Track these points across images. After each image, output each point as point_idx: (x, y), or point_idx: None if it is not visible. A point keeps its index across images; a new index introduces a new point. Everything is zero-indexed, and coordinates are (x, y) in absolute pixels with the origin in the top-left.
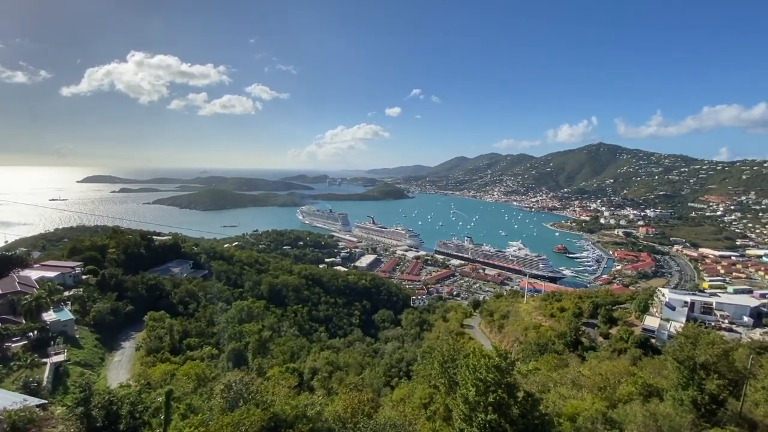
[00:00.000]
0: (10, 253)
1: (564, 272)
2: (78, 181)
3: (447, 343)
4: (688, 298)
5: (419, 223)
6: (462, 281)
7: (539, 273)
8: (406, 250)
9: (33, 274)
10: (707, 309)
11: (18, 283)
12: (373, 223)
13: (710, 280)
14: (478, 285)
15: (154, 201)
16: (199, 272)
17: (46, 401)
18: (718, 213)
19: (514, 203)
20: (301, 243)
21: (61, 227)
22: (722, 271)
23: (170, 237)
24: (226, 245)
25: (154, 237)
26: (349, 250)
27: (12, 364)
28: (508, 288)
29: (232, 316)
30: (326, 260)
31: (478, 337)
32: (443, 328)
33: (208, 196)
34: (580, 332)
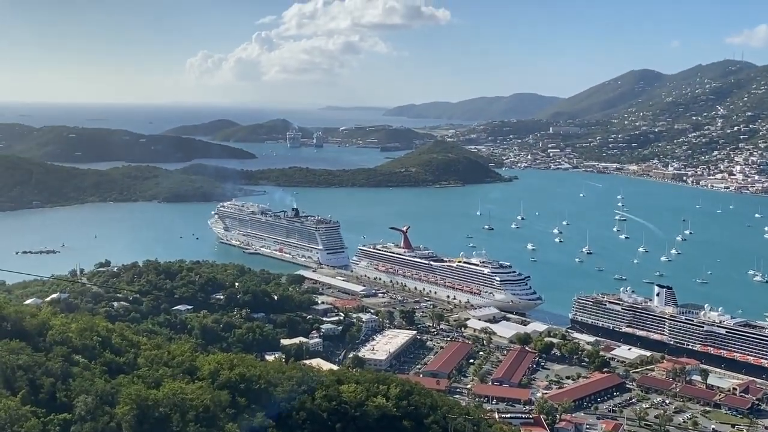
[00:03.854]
0: None
1: None
2: None
3: None
4: None
5: (529, 247)
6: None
7: None
8: (492, 318)
9: None
10: None
11: None
12: (405, 245)
13: None
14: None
15: None
16: None
17: None
18: None
19: None
20: (221, 296)
21: None
22: None
23: None
24: (29, 301)
25: None
26: (340, 314)
27: None
28: None
29: None
30: (285, 342)
31: None
32: None
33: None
34: None
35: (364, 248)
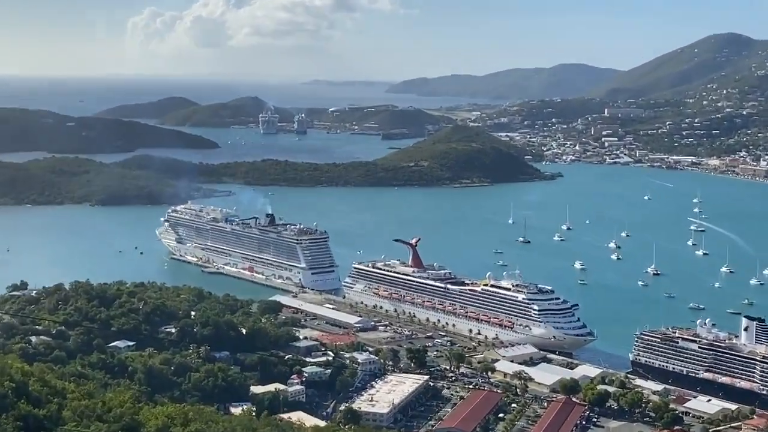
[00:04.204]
0: None
1: None
2: None
3: None
4: None
5: (577, 266)
6: None
7: None
8: (528, 360)
9: None
10: None
11: None
12: (415, 263)
13: None
14: None
15: None
16: None
17: None
18: None
19: None
20: (172, 329)
21: None
22: None
23: None
24: None
25: None
26: (328, 353)
27: None
28: None
29: None
30: (256, 390)
31: None
32: None
33: None
34: None
35: (360, 267)
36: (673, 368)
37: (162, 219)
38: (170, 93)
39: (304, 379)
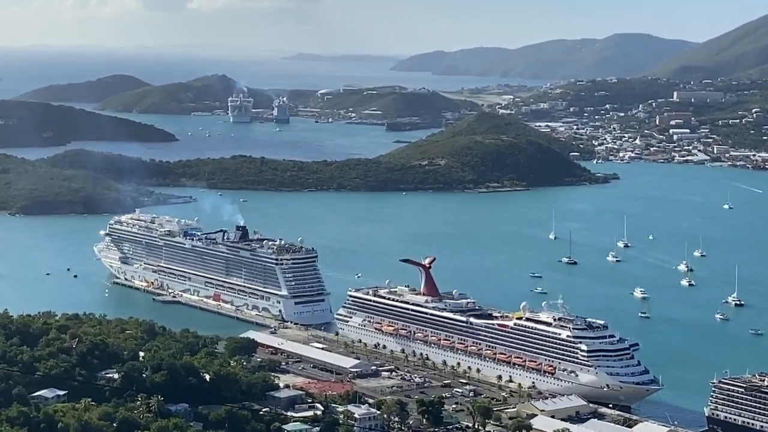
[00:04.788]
0: None
1: None
2: None
3: None
4: None
5: (638, 294)
6: None
7: None
8: (574, 415)
9: None
10: None
11: None
12: (428, 290)
13: None
14: None
15: None
16: None
17: None
18: None
19: None
20: (115, 373)
21: None
22: None
23: None
24: None
25: None
26: (316, 405)
27: None
28: None
29: None
30: None
31: None
32: None
33: None
34: None
35: (358, 295)
36: (761, 426)
37: (102, 232)
38: (113, 70)
39: None
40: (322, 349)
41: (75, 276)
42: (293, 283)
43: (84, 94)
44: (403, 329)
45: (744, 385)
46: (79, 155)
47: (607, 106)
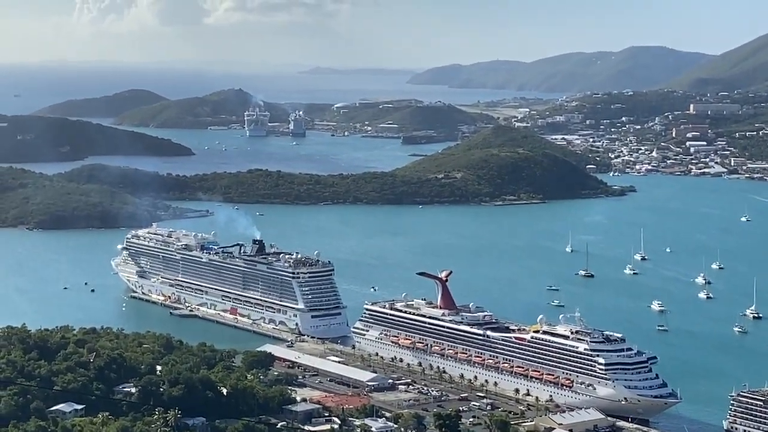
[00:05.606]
0: None
1: None
2: None
3: None
4: None
5: (655, 307)
6: None
7: None
8: (593, 429)
9: None
10: None
11: None
12: (445, 303)
13: None
14: None
15: None
16: None
17: None
18: None
19: None
20: (132, 387)
21: None
22: None
23: None
24: None
25: None
26: (333, 419)
27: None
28: None
29: None
30: None
31: None
32: None
33: None
34: None
35: (374, 308)
36: None
37: (119, 247)
38: (130, 85)
39: None
40: (339, 362)
41: (92, 290)
42: (310, 296)
43: (101, 109)
44: (420, 342)
45: (763, 398)
46: (96, 170)
47: (624, 118)
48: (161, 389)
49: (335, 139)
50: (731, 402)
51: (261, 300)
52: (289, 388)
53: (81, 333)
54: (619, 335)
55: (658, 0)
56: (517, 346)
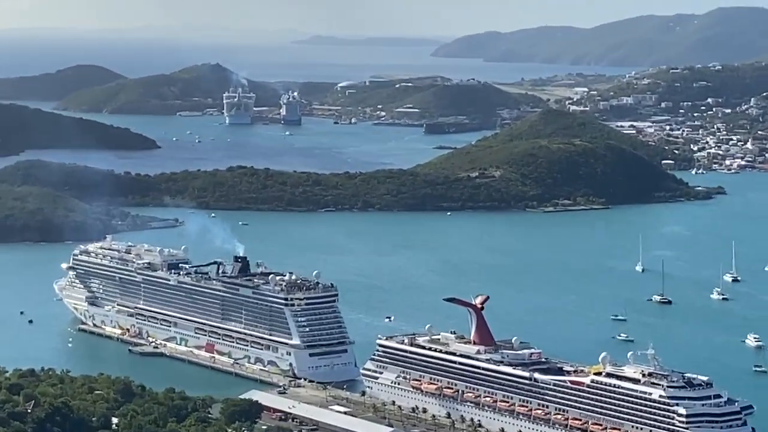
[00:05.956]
0: None
1: None
2: None
3: None
4: None
5: (751, 342)
6: None
7: None
8: None
9: None
10: None
11: None
12: (480, 338)
13: None
14: None
15: None
16: None
17: None
18: None
19: None
20: None
21: None
22: None
23: None
24: None
25: None
26: None
27: None
28: None
29: None
30: None
31: None
32: None
33: None
34: None
35: (390, 344)
36: None
37: (64, 266)
38: (78, 59)
39: None
40: (345, 413)
41: (30, 321)
42: (307, 329)
43: (40, 90)
44: (449, 388)
45: None
46: (34, 168)
47: (710, 100)
48: None
49: (339, 128)
50: None
51: (245, 334)
52: None
53: (16, 376)
54: (705, 378)
55: None
56: (573, 392)
